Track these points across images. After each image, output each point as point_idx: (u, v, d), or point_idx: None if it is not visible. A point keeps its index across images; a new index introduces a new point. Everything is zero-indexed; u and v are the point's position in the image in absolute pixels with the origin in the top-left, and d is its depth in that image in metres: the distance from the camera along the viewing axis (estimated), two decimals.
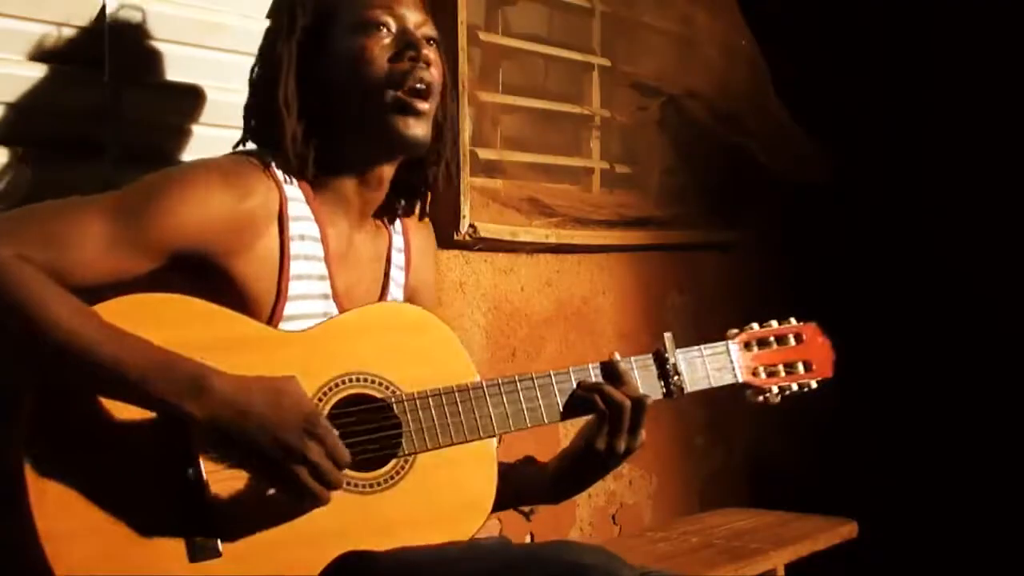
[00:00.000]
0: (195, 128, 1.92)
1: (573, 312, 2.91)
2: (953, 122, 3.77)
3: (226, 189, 1.51)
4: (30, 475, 1.32)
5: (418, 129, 1.60)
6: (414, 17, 1.63)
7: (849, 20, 3.76)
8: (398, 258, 1.76)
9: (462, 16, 2.47)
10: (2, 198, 1.67)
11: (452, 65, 2.43)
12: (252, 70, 1.68)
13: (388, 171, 1.67)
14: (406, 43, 1.59)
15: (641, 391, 1.67)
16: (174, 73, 1.88)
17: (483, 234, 2.52)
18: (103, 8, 1.78)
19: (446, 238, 2.48)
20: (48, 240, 1.39)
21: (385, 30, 1.60)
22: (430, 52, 1.62)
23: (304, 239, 1.58)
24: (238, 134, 1.93)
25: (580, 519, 2.90)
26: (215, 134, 1.91)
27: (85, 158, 1.77)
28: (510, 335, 2.72)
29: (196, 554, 1.37)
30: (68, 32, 1.77)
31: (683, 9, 3.30)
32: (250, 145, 1.68)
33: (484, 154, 2.71)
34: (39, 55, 1.73)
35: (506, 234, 2.62)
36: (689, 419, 3.27)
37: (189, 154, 1.91)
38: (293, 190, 1.58)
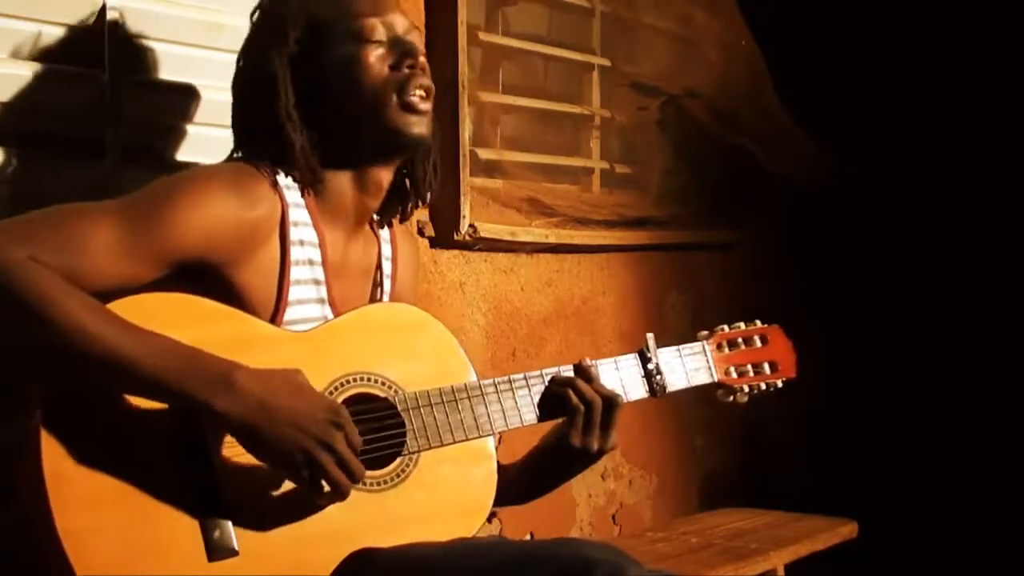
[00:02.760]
0: (195, 128, 1.92)
1: (573, 312, 2.90)
2: (953, 122, 3.77)
3: (232, 199, 1.51)
4: (49, 473, 1.31)
5: (422, 127, 1.63)
6: (402, 24, 1.66)
7: (849, 20, 3.76)
8: (386, 266, 1.77)
9: (462, 16, 2.46)
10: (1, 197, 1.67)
11: (452, 65, 2.43)
12: (237, 79, 1.67)
13: (386, 176, 1.68)
14: (403, 51, 1.63)
15: (626, 389, 1.72)
16: (174, 73, 1.88)
17: (483, 234, 2.52)
18: (103, 8, 1.78)
19: (446, 238, 2.48)
20: (60, 245, 1.38)
21: (378, 38, 1.62)
22: (422, 58, 1.65)
23: (304, 244, 1.58)
24: None
25: (580, 519, 2.90)
26: (215, 134, 1.91)
27: (85, 158, 1.77)
28: (510, 335, 2.72)
29: (214, 553, 1.37)
30: (68, 32, 1.77)
31: (683, 9, 3.29)
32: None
33: (484, 154, 2.71)
34: (39, 55, 1.73)
35: (506, 234, 2.62)
36: (689, 419, 3.27)
37: (189, 154, 1.91)
38: (294, 195, 1.59)
